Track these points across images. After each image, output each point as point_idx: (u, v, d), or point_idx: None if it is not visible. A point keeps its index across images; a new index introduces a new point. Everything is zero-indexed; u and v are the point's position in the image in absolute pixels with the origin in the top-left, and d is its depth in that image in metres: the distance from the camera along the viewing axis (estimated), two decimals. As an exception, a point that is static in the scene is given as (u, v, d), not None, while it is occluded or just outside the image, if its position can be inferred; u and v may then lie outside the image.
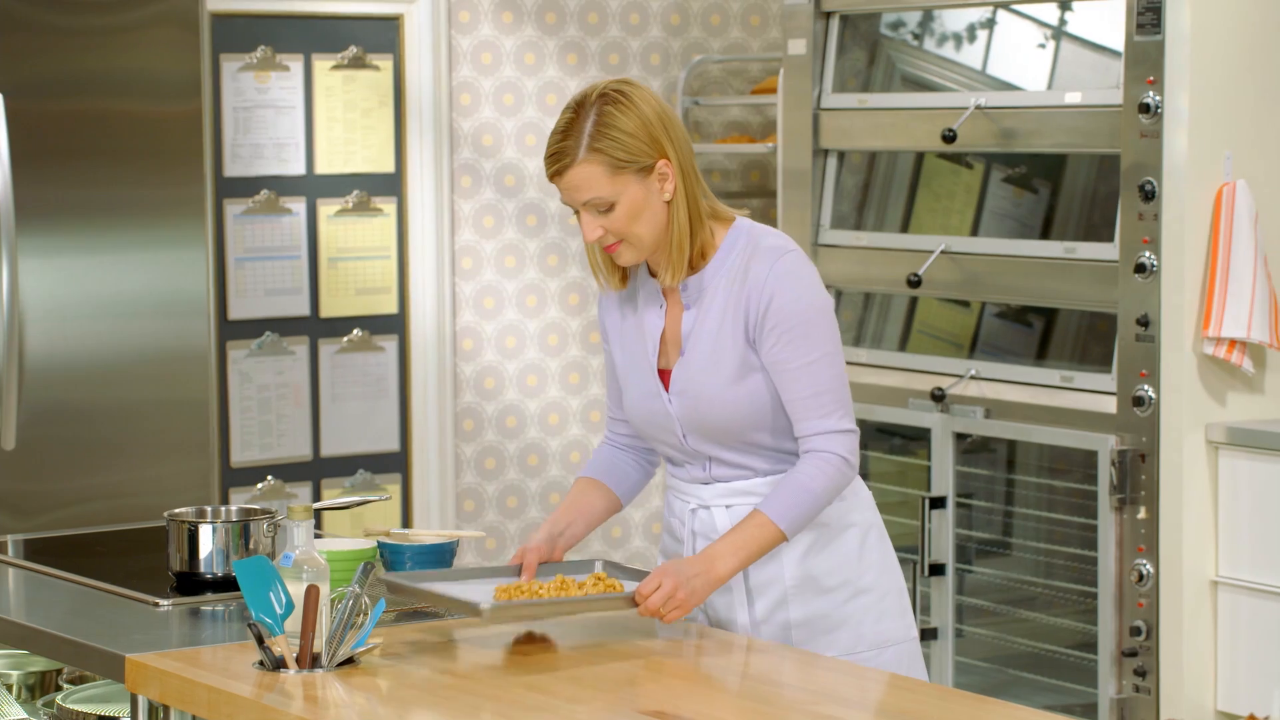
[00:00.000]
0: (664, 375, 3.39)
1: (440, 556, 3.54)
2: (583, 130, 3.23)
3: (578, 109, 3.26)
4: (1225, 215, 4.90)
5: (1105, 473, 5.03)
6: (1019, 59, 5.49)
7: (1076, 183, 5.36)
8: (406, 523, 6.17)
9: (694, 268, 3.34)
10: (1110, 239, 5.09)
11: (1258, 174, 4.96)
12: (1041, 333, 5.43)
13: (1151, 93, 4.94)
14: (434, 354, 6.19)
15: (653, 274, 3.38)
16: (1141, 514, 5.00)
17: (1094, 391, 5.12)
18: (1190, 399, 4.95)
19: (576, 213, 3.30)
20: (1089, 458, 5.08)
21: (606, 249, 3.30)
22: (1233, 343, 4.91)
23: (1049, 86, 5.37)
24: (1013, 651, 5.38)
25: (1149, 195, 4.96)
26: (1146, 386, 4.98)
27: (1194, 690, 4.96)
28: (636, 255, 3.30)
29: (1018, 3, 5.40)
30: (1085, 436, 5.08)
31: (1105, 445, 5.03)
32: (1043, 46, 5.43)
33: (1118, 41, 5.05)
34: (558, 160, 3.25)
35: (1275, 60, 4.98)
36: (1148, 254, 4.97)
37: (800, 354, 3.28)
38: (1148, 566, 4.99)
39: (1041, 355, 5.40)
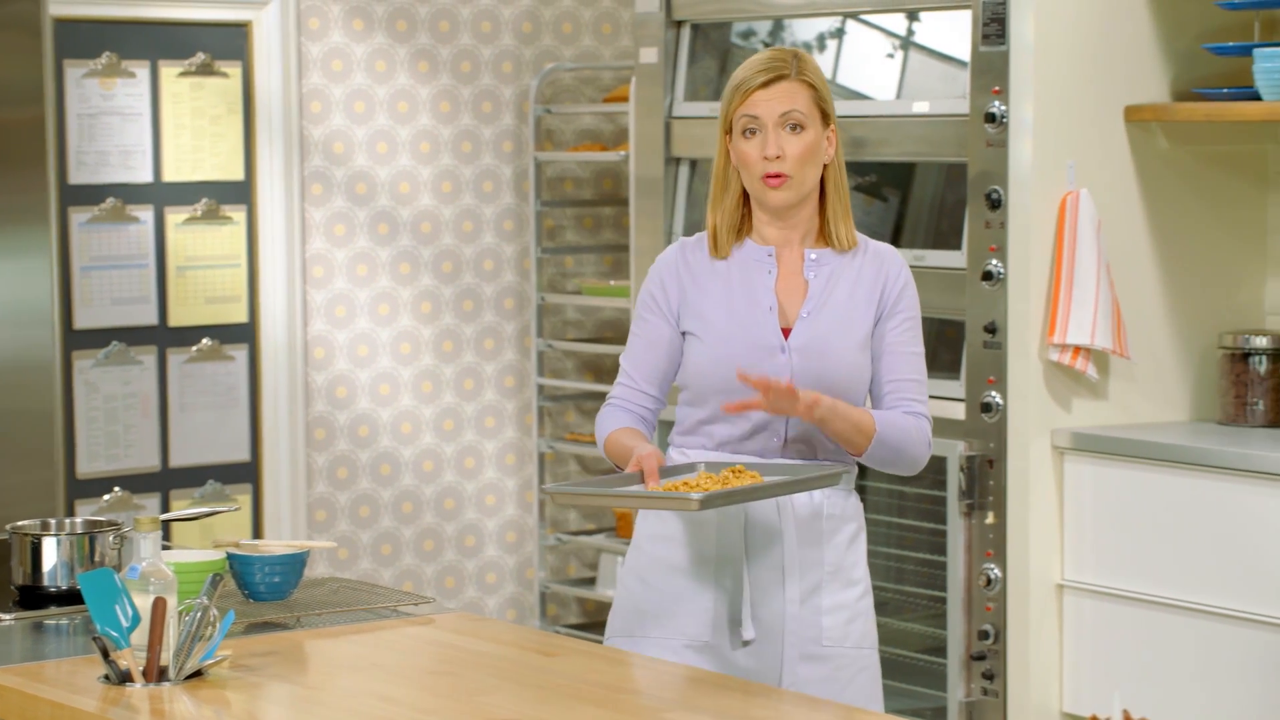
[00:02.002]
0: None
1: (290, 567, 3.53)
2: (791, 60, 3.45)
3: (779, 49, 3.47)
4: (1069, 223, 4.97)
5: (954, 478, 5.09)
6: (868, 69, 5.55)
7: (925, 191, 5.42)
8: (257, 534, 6.13)
9: (827, 242, 3.53)
10: (958, 247, 5.15)
11: (1100, 183, 5.04)
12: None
13: (997, 102, 5.00)
14: (285, 363, 6.15)
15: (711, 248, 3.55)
16: (990, 519, 5.06)
17: (943, 398, 5.17)
18: (1037, 405, 5.02)
19: (745, 135, 3.44)
20: (938, 464, 5.13)
21: (770, 178, 3.42)
22: (1077, 349, 4.98)
23: (897, 96, 5.42)
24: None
25: (995, 204, 5.02)
26: (994, 393, 5.05)
27: (1040, 692, 5.03)
28: (791, 196, 3.45)
29: (866, 13, 5.45)
30: (935, 443, 5.10)
31: (954, 451, 5.09)
32: (891, 56, 5.49)
33: (964, 52, 5.11)
34: (773, 70, 3.42)
35: (1116, 71, 5.06)
36: (994, 262, 5.03)
37: (914, 342, 3.53)
38: (996, 571, 5.05)
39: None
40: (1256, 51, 4.91)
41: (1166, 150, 5.15)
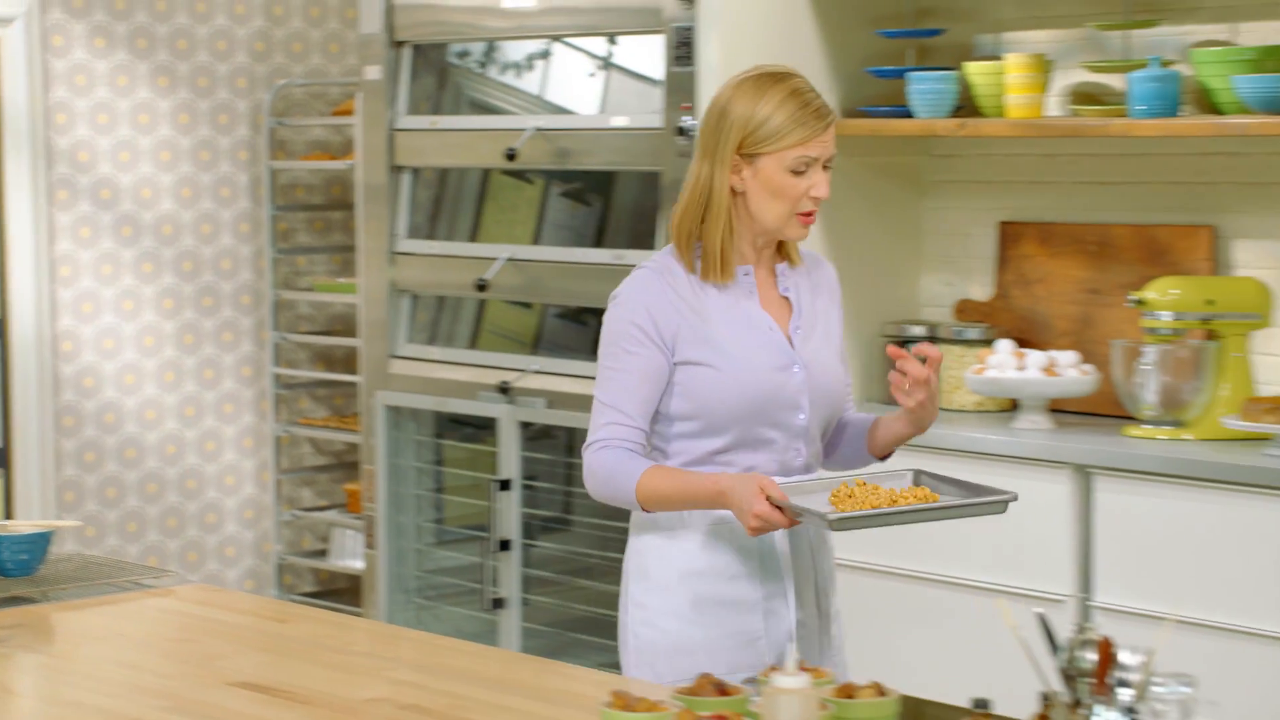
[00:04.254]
0: None
1: (36, 545, 3.48)
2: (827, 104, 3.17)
3: (812, 89, 3.11)
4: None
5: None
6: (573, 86, 5.60)
7: (625, 197, 5.49)
8: (8, 515, 6.00)
9: (784, 258, 3.20)
10: (653, 246, 5.22)
11: (779, 190, 5.14)
12: (596, 331, 5.52)
13: (687, 117, 5.09)
14: (34, 356, 6.03)
15: (704, 273, 3.12)
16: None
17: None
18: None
19: (793, 172, 3.05)
20: (637, 442, 5.19)
21: (806, 215, 3.08)
22: (760, 338, 5.07)
23: (600, 111, 5.48)
24: (573, 616, 5.47)
25: (686, 208, 5.09)
26: (687, 378, 5.12)
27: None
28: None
29: (570, 36, 5.50)
30: (634, 423, 5.19)
31: (651, 430, 5.15)
32: (593, 76, 5.54)
33: (658, 72, 5.18)
34: (829, 116, 3.09)
35: (793, 90, 5.17)
36: (686, 260, 5.10)
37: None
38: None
39: (597, 351, 5.49)
40: (910, 75, 5.06)
41: (836, 160, 5.26)
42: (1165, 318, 4.61)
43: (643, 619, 3.14)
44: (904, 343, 5.20)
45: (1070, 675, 2.29)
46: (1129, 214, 5.02)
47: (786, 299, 3.16)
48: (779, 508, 2.93)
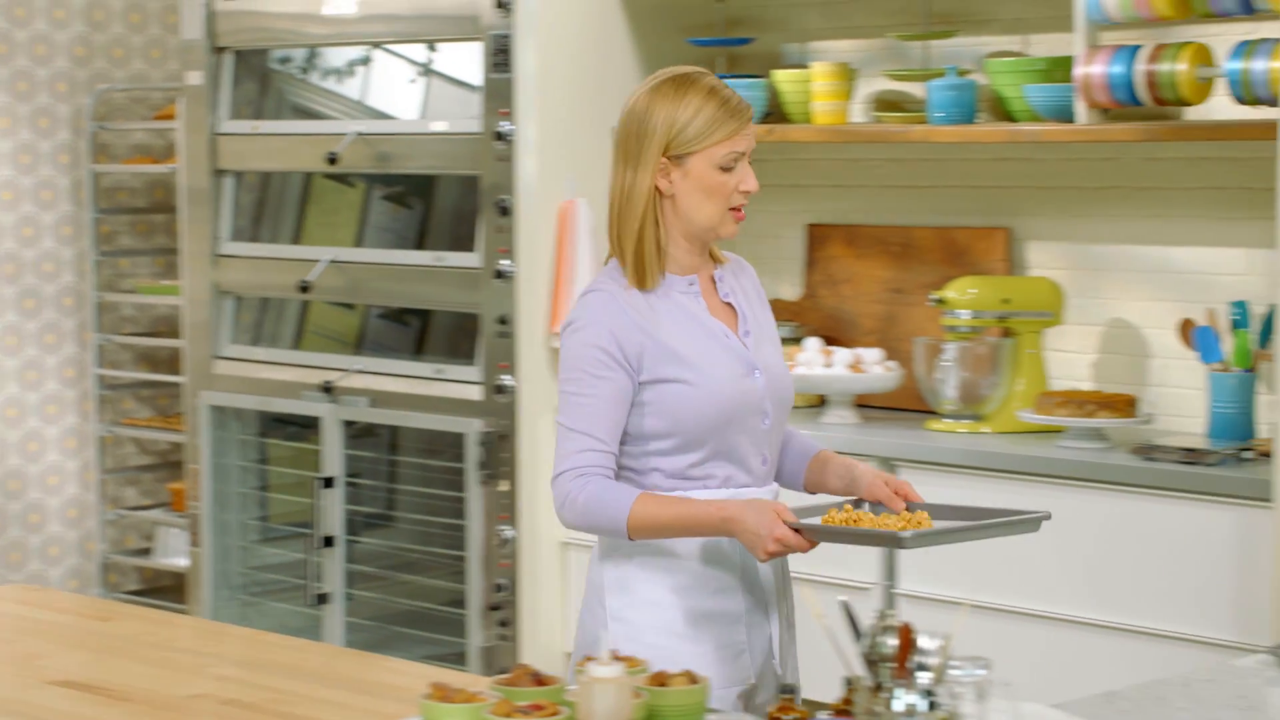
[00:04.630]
0: None
1: None
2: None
3: (727, 85, 3.04)
4: (569, 228, 5.09)
5: (473, 452, 5.16)
6: (394, 92, 5.58)
7: (445, 200, 5.48)
8: None
9: (715, 262, 3.12)
10: (473, 248, 5.23)
11: (595, 193, 5.17)
12: (418, 331, 5.53)
13: (505, 123, 5.10)
14: None
15: (637, 281, 3.02)
16: (504, 486, 5.15)
17: (462, 382, 5.25)
18: (544, 386, 5.12)
19: (722, 169, 2.98)
20: (459, 439, 5.20)
21: (738, 210, 3.02)
22: (577, 338, 5.10)
23: (420, 116, 5.47)
24: (396, 611, 5.46)
25: (505, 211, 5.12)
26: (507, 376, 5.14)
27: (548, 635, 5.15)
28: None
29: (390, 43, 5.48)
30: (455, 421, 5.20)
31: (472, 428, 5.16)
32: (414, 82, 5.53)
33: (477, 78, 5.19)
34: (748, 108, 3.02)
35: (607, 96, 5.20)
36: (505, 262, 5.12)
37: None
38: (509, 531, 5.14)
39: (419, 351, 5.50)
40: (722, 82, 5.11)
41: (650, 165, 5.30)
42: (964, 316, 4.70)
43: (627, 635, 3.01)
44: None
45: (872, 660, 2.33)
46: (930, 217, 5.11)
47: (729, 304, 3.08)
48: (796, 530, 2.87)
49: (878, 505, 3.04)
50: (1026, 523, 2.96)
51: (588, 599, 3.11)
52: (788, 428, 3.17)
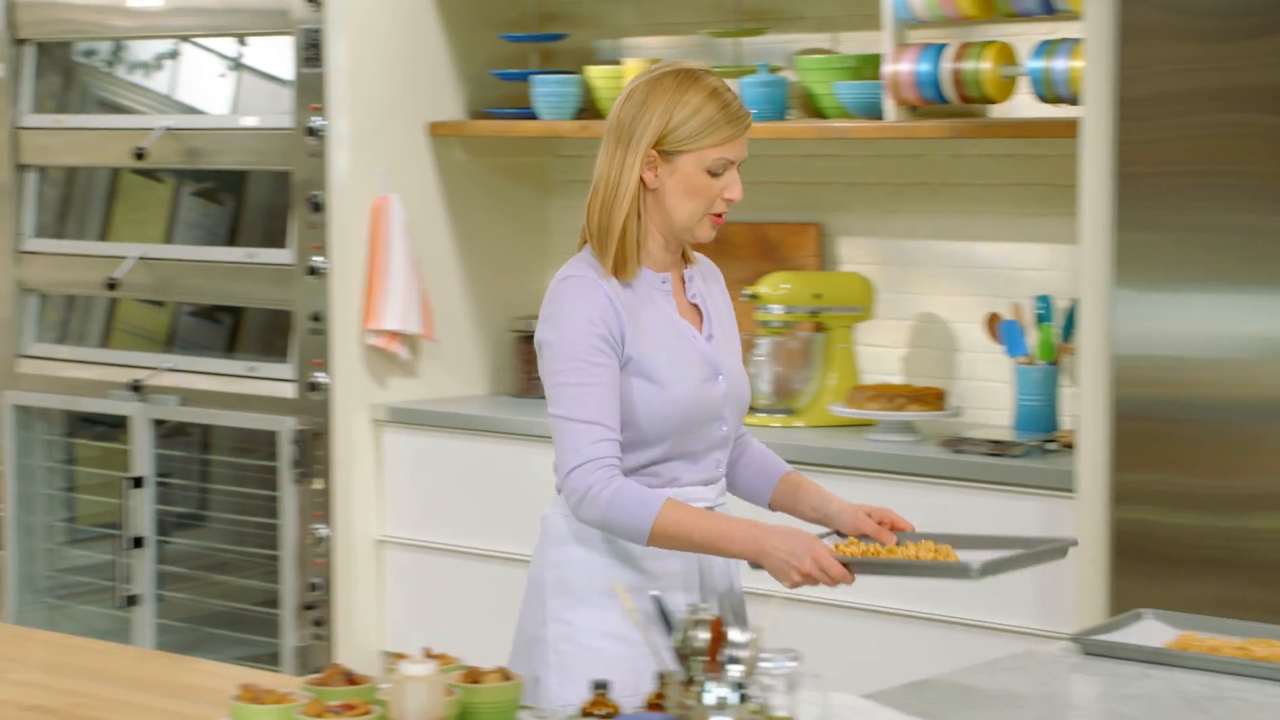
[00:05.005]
0: None
1: None
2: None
3: (731, 91, 2.98)
4: (382, 224, 5.06)
5: (286, 450, 5.11)
6: (203, 86, 5.50)
7: (258, 196, 5.42)
8: None
9: (687, 262, 3.08)
10: (285, 245, 5.18)
11: (408, 189, 5.15)
12: (230, 329, 5.46)
13: (317, 118, 5.05)
14: None
15: (617, 270, 2.96)
16: (318, 485, 5.11)
17: (275, 379, 5.19)
18: (358, 384, 5.09)
19: (710, 173, 2.94)
20: (272, 437, 5.15)
21: (719, 216, 2.96)
22: (392, 334, 5.08)
23: (231, 111, 5.40)
24: (208, 612, 5.39)
25: (317, 207, 5.07)
26: (320, 374, 5.09)
27: (363, 634, 5.12)
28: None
29: (199, 36, 5.40)
30: (268, 419, 5.15)
31: (285, 426, 5.11)
32: (224, 76, 5.46)
33: (288, 73, 5.13)
34: (747, 116, 2.97)
35: (421, 92, 5.17)
36: (318, 258, 5.08)
37: None
38: (324, 530, 5.10)
39: (231, 348, 5.43)
40: (534, 78, 5.11)
41: (465, 161, 5.30)
42: (776, 311, 4.74)
43: (565, 635, 2.97)
44: (531, 337, 5.24)
45: (684, 654, 2.34)
46: (743, 212, 5.14)
47: (695, 305, 3.04)
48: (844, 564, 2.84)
49: (864, 537, 2.99)
50: (1062, 548, 2.94)
51: (528, 596, 3.05)
52: (753, 440, 3.14)
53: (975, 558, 2.82)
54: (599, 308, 2.90)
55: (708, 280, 3.09)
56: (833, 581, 2.83)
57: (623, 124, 2.94)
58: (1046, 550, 2.89)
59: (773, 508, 3.13)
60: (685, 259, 3.06)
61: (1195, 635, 2.90)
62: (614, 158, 2.95)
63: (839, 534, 3.00)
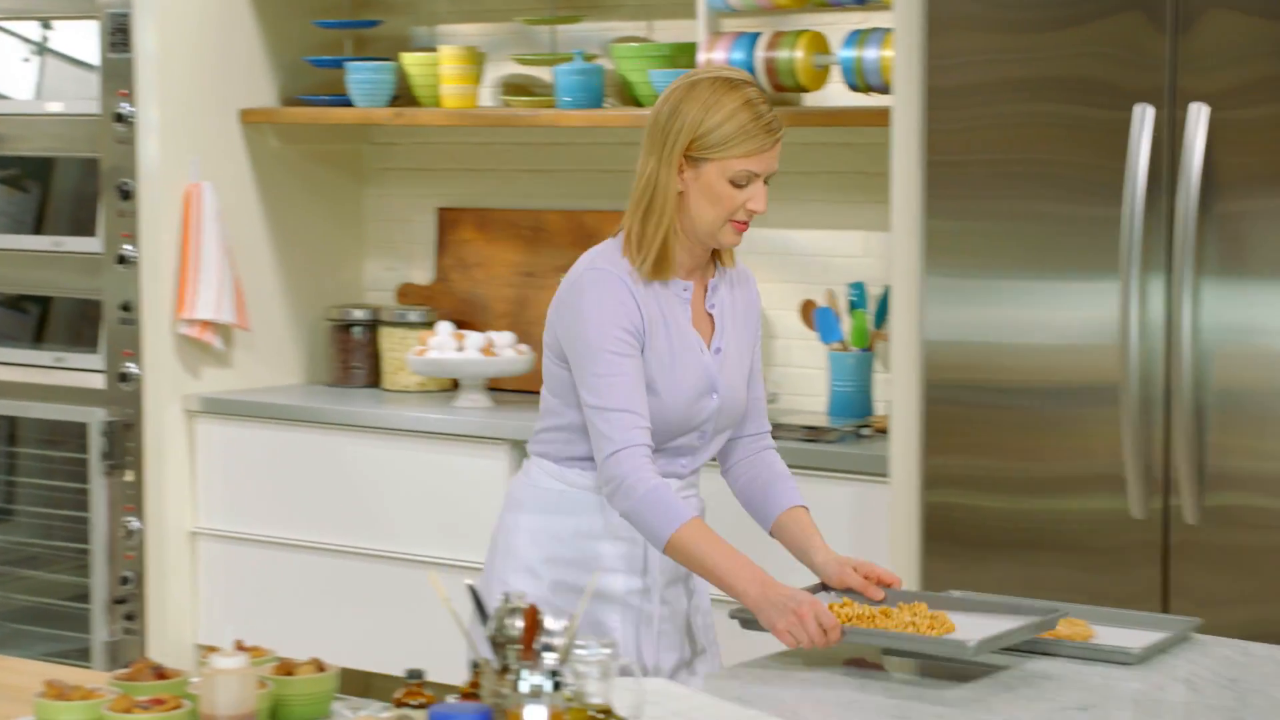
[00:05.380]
0: None
1: None
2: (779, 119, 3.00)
3: (766, 101, 2.96)
4: (194, 212, 4.99)
5: (96, 442, 5.03)
6: (6, 71, 5.38)
7: (65, 183, 5.32)
8: None
9: (715, 270, 3.07)
10: (94, 233, 5.09)
11: (221, 177, 5.08)
12: (38, 318, 5.36)
13: (125, 104, 4.97)
14: None
15: (658, 272, 2.99)
16: (129, 477, 5.03)
17: (85, 370, 5.11)
18: (170, 374, 5.02)
19: (734, 183, 2.94)
20: (81, 429, 5.07)
21: (742, 224, 2.97)
22: (205, 323, 5.01)
23: (35, 96, 5.29)
24: (15, 607, 5.29)
25: (126, 194, 4.99)
26: (131, 364, 5.02)
27: (176, 628, 5.05)
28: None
29: (0, 20, 5.29)
30: (78, 410, 5.07)
31: (95, 418, 5.04)
32: (28, 60, 5.35)
33: (95, 57, 5.04)
34: (778, 131, 2.96)
35: (232, 78, 5.11)
36: (128, 247, 5.00)
37: (759, 359, 3.16)
38: (135, 522, 5.03)
39: (38, 339, 5.32)
40: (348, 65, 5.07)
41: (278, 149, 5.24)
42: (593, 299, 4.74)
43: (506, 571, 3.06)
44: (348, 326, 5.21)
45: (500, 643, 2.34)
46: (560, 200, 5.15)
47: (710, 315, 3.05)
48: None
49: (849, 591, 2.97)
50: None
51: (488, 555, 3.12)
52: (778, 460, 3.14)
53: (972, 631, 2.75)
54: (622, 303, 2.94)
55: (735, 287, 3.09)
56: (825, 642, 2.80)
57: (657, 129, 2.97)
58: (1041, 622, 2.82)
59: (772, 535, 3.13)
60: (721, 260, 3.07)
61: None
62: (648, 162, 2.97)
63: (825, 587, 2.99)
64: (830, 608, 2.83)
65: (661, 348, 2.97)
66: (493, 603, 2.96)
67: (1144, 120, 3.67)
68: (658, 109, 2.98)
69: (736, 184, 2.94)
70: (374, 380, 5.21)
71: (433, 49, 5.12)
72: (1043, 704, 2.60)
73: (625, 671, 2.36)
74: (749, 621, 2.85)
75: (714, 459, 3.15)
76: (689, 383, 2.99)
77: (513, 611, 2.35)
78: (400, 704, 2.44)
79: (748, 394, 3.10)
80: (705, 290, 3.05)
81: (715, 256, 3.06)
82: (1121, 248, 3.69)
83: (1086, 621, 2.94)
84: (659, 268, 2.96)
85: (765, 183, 2.96)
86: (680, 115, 2.95)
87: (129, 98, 4.96)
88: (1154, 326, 3.70)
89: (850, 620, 2.79)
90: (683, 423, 3.00)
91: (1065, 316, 3.81)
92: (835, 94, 4.61)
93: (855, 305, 4.61)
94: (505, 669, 2.31)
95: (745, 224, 2.97)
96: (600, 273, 2.96)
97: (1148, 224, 3.69)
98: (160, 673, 2.54)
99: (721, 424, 3.06)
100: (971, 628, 2.78)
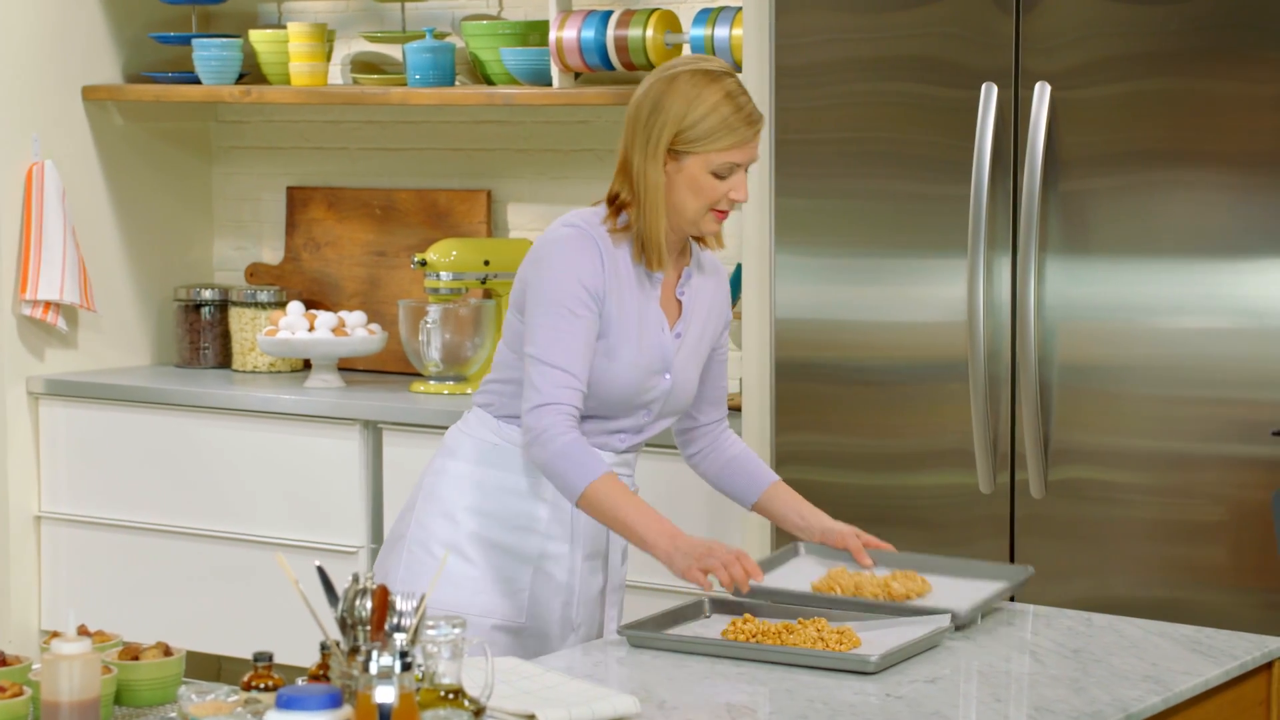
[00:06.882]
0: None
1: None
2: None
3: (746, 94, 3.00)
4: (36, 192, 4.91)
5: (-63, 426, 4.94)
6: None
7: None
8: None
9: (692, 258, 3.12)
10: (-67, 213, 4.99)
11: (64, 155, 5.00)
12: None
13: (-35, 80, 4.87)
14: None
15: (647, 263, 3.03)
16: (-29, 461, 4.95)
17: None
18: (12, 356, 4.94)
19: (715, 175, 2.98)
20: (-79, 413, 4.96)
21: (722, 213, 3.01)
22: (48, 304, 4.94)
23: None
24: None
25: (-34, 173, 4.89)
26: (-28, 346, 4.93)
27: (21, 613, 4.97)
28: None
29: None
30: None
31: (-65, 401, 4.94)
32: None
33: (-68, 32, 4.94)
34: (759, 120, 3.00)
35: (74, 54, 5.03)
36: (-32, 226, 4.91)
37: (726, 349, 3.21)
38: (-22, 508, 4.94)
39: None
40: (195, 41, 5.00)
41: (123, 126, 5.16)
42: (446, 278, 4.73)
43: (419, 539, 3.09)
44: (197, 306, 5.16)
45: (349, 624, 2.32)
46: (411, 179, 5.12)
47: (679, 301, 3.09)
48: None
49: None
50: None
51: (411, 496, 3.15)
52: (738, 441, 3.21)
53: (875, 645, 2.74)
54: (590, 264, 2.97)
55: (707, 278, 3.13)
56: (744, 576, 2.86)
57: (639, 124, 2.99)
58: (939, 630, 2.81)
59: (756, 509, 3.21)
60: (706, 243, 3.11)
61: (844, 570, 3.04)
62: (634, 157, 3.00)
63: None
64: (733, 624, 2.82)
65: (622, 316, 3.01)
66: (407, 544, 3.09)
67: (989, 100, 3.72)
68: (638, 103, 3.00)
69: (719, 175, 2.98)
70: (224, 361, 5.16)
71: (281, 26, 5.06)
72: (893, 677, 2.64)
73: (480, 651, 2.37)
74: (640, 640, 2.80)
75: (674, 447, 3.23)
76: (644, 358, 3.03)
77: (362, 592, 2.34)
78: (248, 687, 2.42)
79: (710, 382, 3.17)
80: (679, 277, 3.09)
81: (694, 242, 3.11)
82: (969, 226, 3.74)
83: (917, 571, 3.02)
84: (654, 257, 3.01)
85: (745, 171, 3.01)
86: (662, 111, 2.97)
87: (-32, 74, 4.86)
88: (1000, 304, 3.75)
89: (754, 637, 2.78)
90: (631, 396, 3.04)
91: (914, 294, 3.85)
92: (686, 72, 4.61)
93: (707, 283, 4.63)
94: (355, 650, 2.30)
95: (726, 213, 3.02)
96: (576, 230, 3.00)
97: (993, 202, 3.74)
98: (2, 659, 2.50)
99: (668, 408, 3.10)
100: (876, 642, 2.76)
